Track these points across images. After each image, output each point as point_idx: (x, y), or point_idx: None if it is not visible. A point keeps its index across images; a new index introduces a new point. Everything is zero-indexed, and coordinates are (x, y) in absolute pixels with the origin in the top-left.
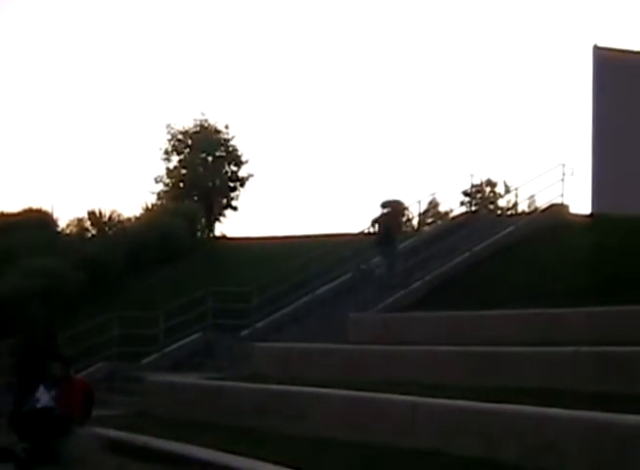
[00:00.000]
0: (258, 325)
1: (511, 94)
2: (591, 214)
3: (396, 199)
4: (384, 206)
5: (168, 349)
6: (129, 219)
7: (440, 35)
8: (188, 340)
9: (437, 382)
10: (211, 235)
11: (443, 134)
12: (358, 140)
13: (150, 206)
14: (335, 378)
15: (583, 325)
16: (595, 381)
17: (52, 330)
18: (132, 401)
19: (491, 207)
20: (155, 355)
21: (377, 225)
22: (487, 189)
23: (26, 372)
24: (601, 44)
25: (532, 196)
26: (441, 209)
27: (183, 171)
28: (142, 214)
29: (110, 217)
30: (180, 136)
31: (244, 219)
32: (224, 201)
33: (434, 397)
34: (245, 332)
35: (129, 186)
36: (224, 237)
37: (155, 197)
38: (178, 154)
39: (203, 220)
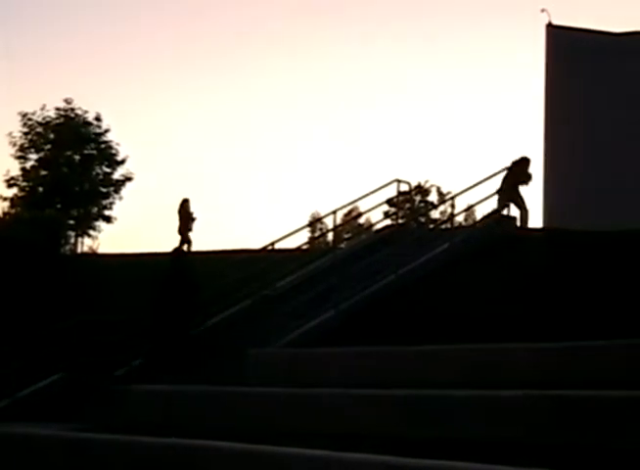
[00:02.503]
0: (136, 363)
1: (450, 86)
2: (542, 229)
3: (523, 156)
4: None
5: (22, 393)
6: None
7: (365, 29)
8: (48, 381)
9: (356, 432)
10: (79, 251)
11: (364, 132)
12: (265, 142)
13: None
14: (230, 428)
15: (531, 363)
16: (549, 431)
17: None
18: None
19: (422, 219)
20: (4, 402)
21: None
22: (418, 198)
23: None
24: (556, 22)
25: (472, 206)
26: (362, 221)
27: (43, 172)
28: None
29: None
30: (39, 129)
31: (122, 233)
32: (95, 210)
33: (351, 450)
34: (119, 371)
35: None
36: (94, 253)
37: (6, 204)
38: (37, 151)
39: (67, 233)
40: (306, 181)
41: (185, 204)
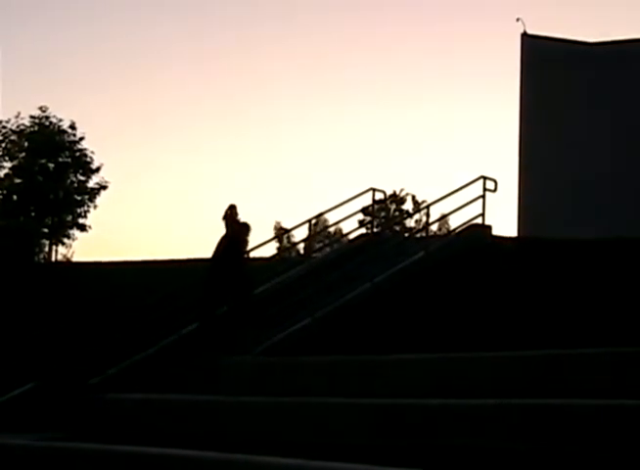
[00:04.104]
0: (111, 372)
1: (425, 94)
2: (517, 238)
3: None
4: None
5: None
6: None
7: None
8: (19, 391)
9: (330, 441)
10: (53, 260)
11: (338, 140)
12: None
13: None
14: (204, 436)
15: (505, 372)
16: (522, 438)
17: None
18: None
19: (397, 228)
20: None
21: None
22: (393, 207)
23: None
24: (531, 31)
25: (446, 215)
26: (336, 230)
27: (17, 180)
28: None
29: None
30: (14, 137)
31: (96, 241)
32: (69, 218)
33: (326, 459)
34: (94, 380)
35: None
36: (68, 262)
37: None
38: (11, 159)
39: (42, 242)
40: (277, 190)
41: (233, 210)
